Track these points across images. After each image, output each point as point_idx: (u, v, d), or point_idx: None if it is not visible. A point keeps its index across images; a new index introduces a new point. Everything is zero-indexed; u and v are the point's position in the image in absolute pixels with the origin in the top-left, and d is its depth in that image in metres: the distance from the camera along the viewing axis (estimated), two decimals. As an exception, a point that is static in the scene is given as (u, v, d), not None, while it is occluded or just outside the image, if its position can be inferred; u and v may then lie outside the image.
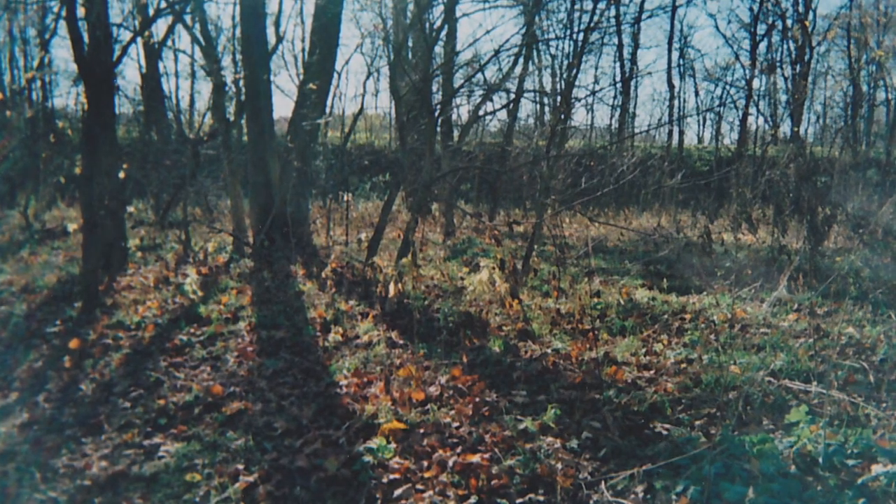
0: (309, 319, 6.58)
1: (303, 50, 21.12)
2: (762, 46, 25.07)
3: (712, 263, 8.53)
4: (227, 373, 5.32)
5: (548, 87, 21.48)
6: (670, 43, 25.50)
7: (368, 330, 6.07)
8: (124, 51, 8.43)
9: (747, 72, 24.40)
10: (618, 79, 25.39)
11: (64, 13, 7.59)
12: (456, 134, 16.31)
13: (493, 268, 6.83)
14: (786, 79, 24.00)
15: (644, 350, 5.27)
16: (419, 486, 3.44)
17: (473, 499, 3.29)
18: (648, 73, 31.74)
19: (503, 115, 16.27)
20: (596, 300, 6.73)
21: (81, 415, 4.77)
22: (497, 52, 10.12)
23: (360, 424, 4.13)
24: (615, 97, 24.87)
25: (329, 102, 12.60)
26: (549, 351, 5.32)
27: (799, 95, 17.72)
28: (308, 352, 5.76)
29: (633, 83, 25.72)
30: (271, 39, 11.16)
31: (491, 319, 6.20)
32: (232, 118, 12.00)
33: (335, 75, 11.25)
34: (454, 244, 11.20)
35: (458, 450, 3.74)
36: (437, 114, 10.03)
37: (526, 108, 29.57)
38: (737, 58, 25.43)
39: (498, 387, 4.62)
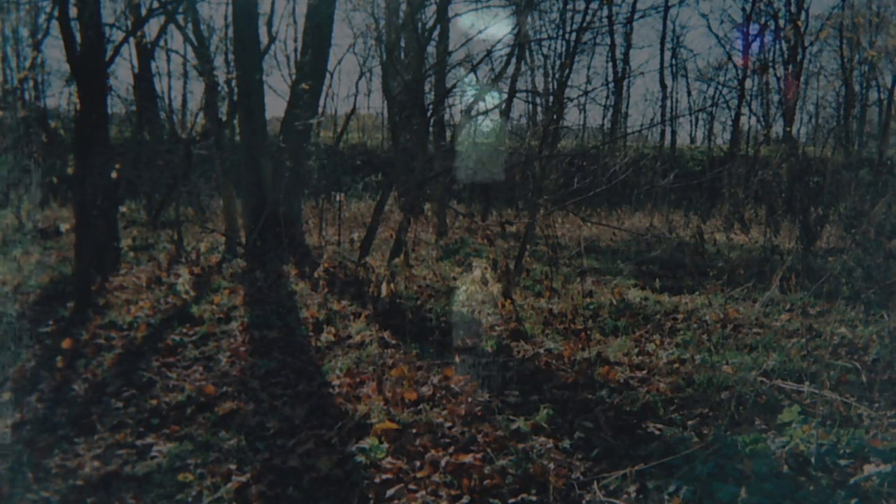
0: (301, 319, 6.57)
1: (295, 50, 21.08)
2: (755, 46, 25.14)
3: (705, 263, 8.56)
4: (219, 373, 5.31)
5: (540, 87, 21.54)
6: (663, 43, 25.57)
7: (361, 330, 6.06)
8: (117, 51, 8.42)
9: (740, 72, 24.47)
10: (610, 79, 25.42)
11: (56, 13, 7.55)
12: (448, 134, 16.32)
13: (486, 268, 6.83)
14: (778, 79, 24.08)
15: (636, 350, 5.29)
16: (412, 486, 3.44)
17: (466, 499, 3.29)
18: (641, 73, 31.85)
19: (496, 115, 16.27)
20: (588, 300, 6.74)
21: (74, 415, 4.75)
22: (489, 52, 10.15)
23: (352, 424, 4.12)
24: (607, 97, 24.89)
25: (321, 102, 12.62)
26: (541, 351, 5.33)
27: (791, 95, 17.79)
28: (300, 352, 5.75)
29: (625, 83, 25.76)
30: (264, 39, 11.13)
31: (483, 319, 6.20)
32: (224, 118, 11.97)
33: (328, 75, 11.27)
34: (447, 244, 11.19)
35: (451, 450, 3.74)
36: (429, 114, 10.03)
37: (518, 108, 29.66)
38: (729, 58, 25.49)
39: (490, 387, 4.62)
